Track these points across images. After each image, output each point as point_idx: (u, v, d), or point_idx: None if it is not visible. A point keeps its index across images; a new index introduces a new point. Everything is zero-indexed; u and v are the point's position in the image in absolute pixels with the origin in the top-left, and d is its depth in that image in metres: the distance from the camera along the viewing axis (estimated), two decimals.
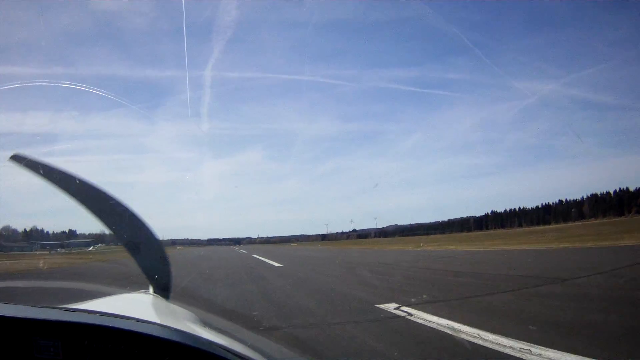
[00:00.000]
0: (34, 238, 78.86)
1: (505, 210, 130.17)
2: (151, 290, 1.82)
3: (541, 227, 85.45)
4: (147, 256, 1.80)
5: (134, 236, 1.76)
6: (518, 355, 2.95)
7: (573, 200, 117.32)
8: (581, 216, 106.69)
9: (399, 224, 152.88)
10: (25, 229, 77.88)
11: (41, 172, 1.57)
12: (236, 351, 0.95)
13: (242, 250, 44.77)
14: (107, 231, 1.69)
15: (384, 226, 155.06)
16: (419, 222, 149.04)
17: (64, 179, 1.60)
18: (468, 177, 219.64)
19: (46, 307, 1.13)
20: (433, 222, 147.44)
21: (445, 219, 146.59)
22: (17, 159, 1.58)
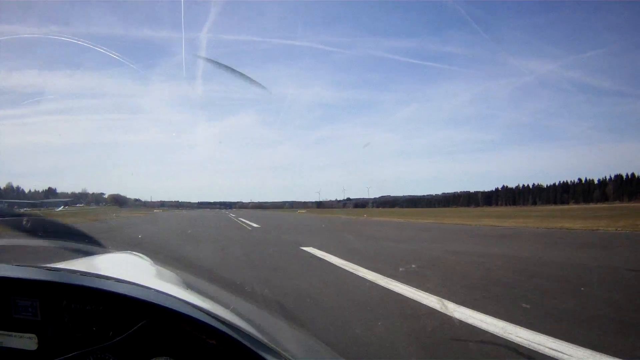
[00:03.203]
0: (4, 197, 72.81)
1: (517, 186, 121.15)
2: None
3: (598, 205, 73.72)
4: None
5: None
6: None
7: (596, 180, 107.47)
8: (604, 197, 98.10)
9: (392, 194, 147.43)
10: None
11: None
12: (216, 314, 0.91)
13: (245, 220, 25.63)
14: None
15: (377, 196, 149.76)
16: (416, 194, 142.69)
17: None
18: (463, 152, 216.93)
19: (26, 265, 1.07)
20: (430, 195, 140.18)
21: (439, 192, 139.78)
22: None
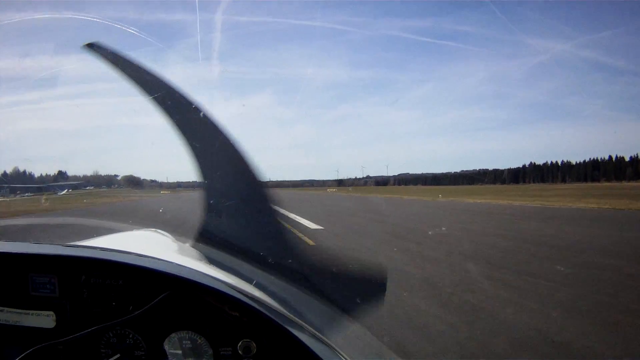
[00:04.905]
0: (11, 181, 67.22)
1: (545, 163, 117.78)
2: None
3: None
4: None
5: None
6: None
7: (628, 157, 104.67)
8: (637, 175, 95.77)
9: (410, 172, 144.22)
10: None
11: (119, 66, 1.26)
12: (240, 288, 0.89)
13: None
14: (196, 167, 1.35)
15: (396, 174, 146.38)
16: (434, 172, 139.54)
17: (148, 81, 1.27)
18: (478, 130, 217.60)
19: (44, 243, 1.07)
20: (449, 172, 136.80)
21: (457, 169, 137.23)
22: (94, 47, 1.25)
